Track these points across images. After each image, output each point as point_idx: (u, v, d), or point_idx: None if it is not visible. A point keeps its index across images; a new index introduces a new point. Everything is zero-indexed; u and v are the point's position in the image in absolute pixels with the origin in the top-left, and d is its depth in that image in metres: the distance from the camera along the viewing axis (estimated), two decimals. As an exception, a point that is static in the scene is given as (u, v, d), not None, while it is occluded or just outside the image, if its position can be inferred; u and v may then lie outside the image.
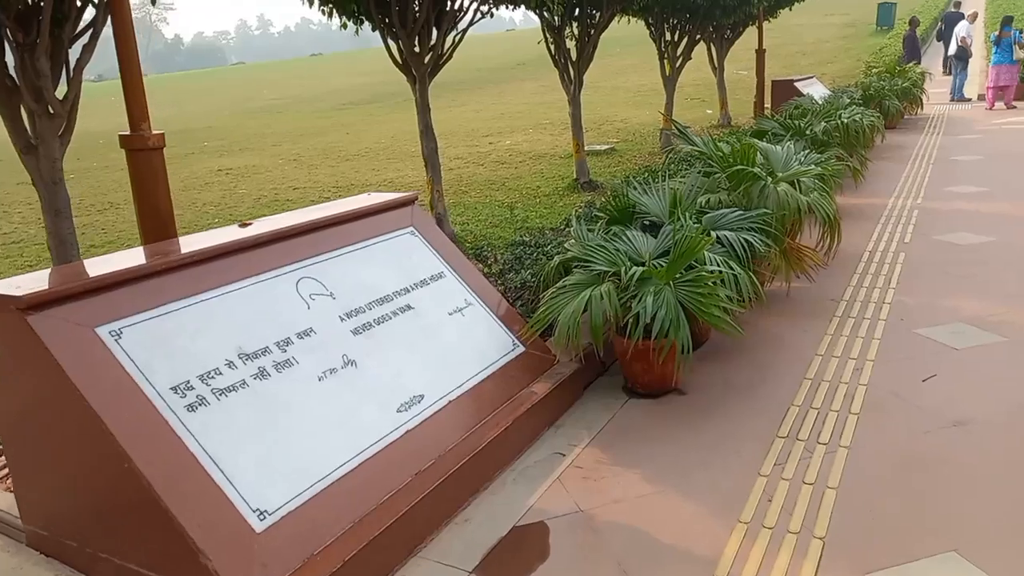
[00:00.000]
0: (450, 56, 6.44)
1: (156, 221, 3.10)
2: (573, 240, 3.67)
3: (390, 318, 2.98)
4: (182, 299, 2.44)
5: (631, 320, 3.02)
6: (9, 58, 3.37)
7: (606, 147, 11.88)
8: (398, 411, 2.67)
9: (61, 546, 2.39)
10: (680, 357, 2.98)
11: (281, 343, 2.57)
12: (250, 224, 3.05)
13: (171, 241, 2.93)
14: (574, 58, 8.46)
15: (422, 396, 2.79)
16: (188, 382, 2.27)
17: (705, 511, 2.42)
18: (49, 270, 2.46)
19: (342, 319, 2.82)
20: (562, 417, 3.13)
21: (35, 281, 2.25)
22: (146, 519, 2.05)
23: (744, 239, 3.47)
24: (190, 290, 2.48)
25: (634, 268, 3.11)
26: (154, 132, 3.14)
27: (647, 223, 3.77)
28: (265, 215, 9.28)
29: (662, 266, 3.19)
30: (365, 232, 3.23)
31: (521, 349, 3.32)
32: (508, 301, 3.67)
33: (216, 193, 10.81)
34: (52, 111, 3.41)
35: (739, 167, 4.07)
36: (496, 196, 8.94)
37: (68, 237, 3.61)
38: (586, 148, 9.26)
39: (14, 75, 3.32)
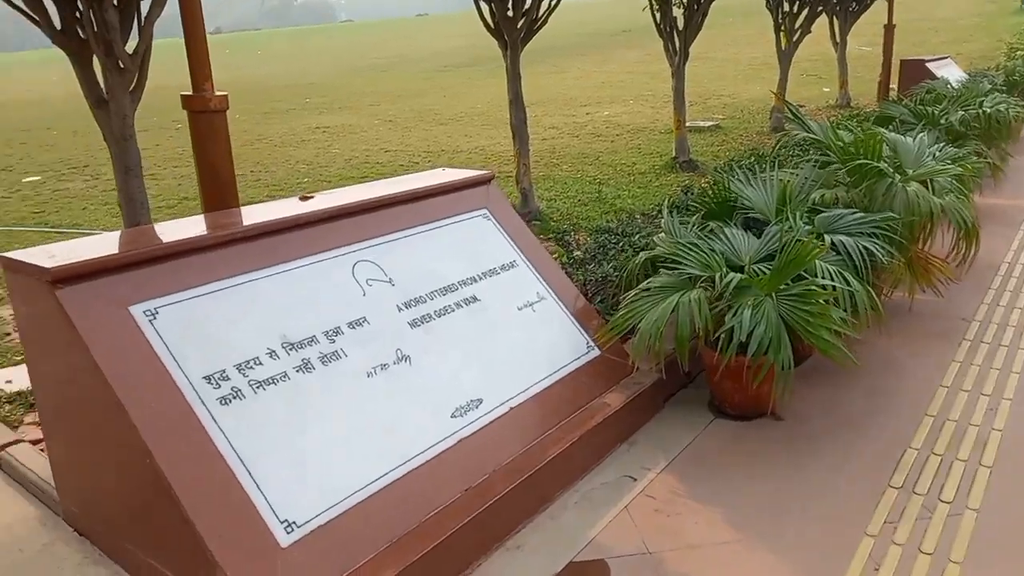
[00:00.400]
0: (545, 21, 6.06)
1: (215, 186, 2.93)
2: (663, 234, 3.30)
3: (452, 310, 2.71)
4: (227, 278, 2.25)
5: (724, 333, 2.64)
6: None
7: (710, 124, 11.23)
8: (452, 416, 2.42)
9: (92, 527, 2.28)
10: (779, 379, 2.59)
11: (330, 333, 2.35)
12: (311, 197, 2.84)
13: (225, 213, 2.75)
14: (680, 27, 7.89)
15: (480, 400, 2.52)
16: (224, 371, 2.07)
17: (798, 573, 2.06)
18: (87, 238, 2.32)
19: (399, 309, 2.58)
20: (636, 433, 2.81)
21: (70, 251, 2.10)
22: (165, 519, 1.88)
23: (863, 246, 3.01)
24: (236, 269, 2.28)
25: (731, 275, 2.72)
26: (218, 93, 2.97)
27: (749, 219, 3.35)
28: (353, 177, 9.22)
29: (764, 274, 2.78)
30: (434, 212, 2.97)
31: (596, 353, 3.00)
32: (586, 296, 3.34)
33: (310, 151, 10.85)
34: (122, 65, 3.28)
35: (862, 160, 3.56)
36: (588, 171, 8.53)
37: (137, 196, 3.51)
38: (688, 124, 8.71)
39: (84, 27, 3.21)
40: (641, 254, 3.19)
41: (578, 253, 3.99)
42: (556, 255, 4.53)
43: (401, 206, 2.88)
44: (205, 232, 2.31)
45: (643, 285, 2.90)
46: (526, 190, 6.25)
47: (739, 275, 2.73)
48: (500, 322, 2.82)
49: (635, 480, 2.53)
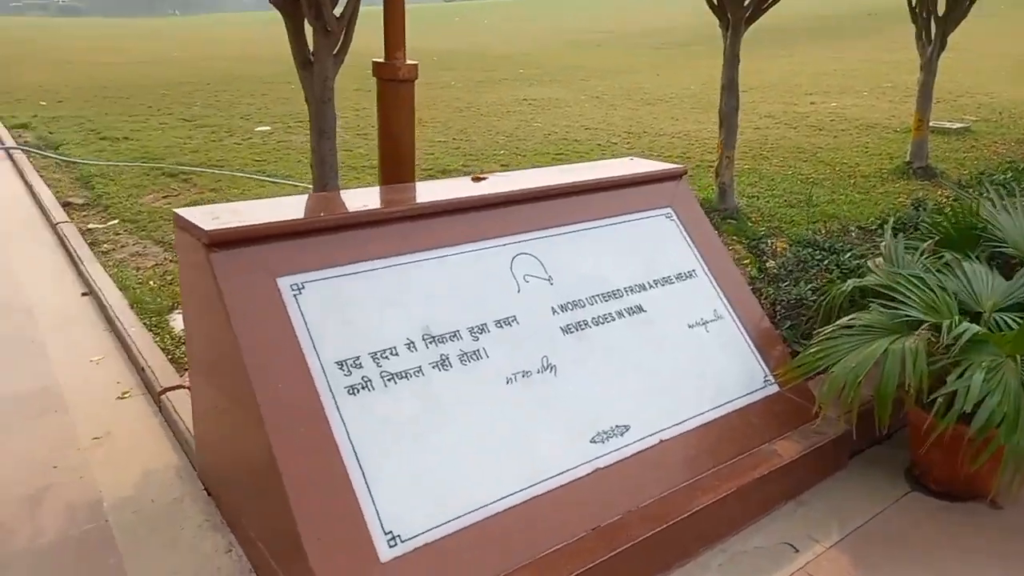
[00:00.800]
0: (775, 0, 5.48)
1: (394, 157, 2.87)
2: (881, 259, 2.78)
3: (612, 319, 2.45)
4: (378, 259, 2.15)
5: (943, 396, 2.14)
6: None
7: (958, 126, 9.82)
8: (592, 441, 2.17)
9: (218, 489, 2.32)
10: (1009, 461, 2.06)
11: (475, 329, 2.18)
12: (484, 179, 2.68)
13: (394, 188, 2.66)
14: (940, 12, 6.85)
15: (627, 427, 2.25)
16: (358, 358, 1.97)
17: None
18: (254, 202, 2.32)
19: (554, 311, 2.36)
20: (808, 493, 2.40)
21: (233, 214, 2.09)
22: (273, 505, 1.82)
23: None
24: (389, 250, 2.17)
25: (964, 324, 2.20)
26: (408, 62, 2.88)
27: (998, 254, 2.74)
28: (548, 153, 9.10)
29: (1010, 328, 2.23)
30: (611, 207, 2.70)
31: (773, 389, 2.60)
32: (772, 320, 2.93)
33: (512, 123, 10.89)
34: (328, 28, 3.31)
35: None
36: (801, 168, 7.76)
37: (329, 158, 3.56)
38: (931, 124, 7.61)
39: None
40: (849, 281, 2.71)
41: (772, 265, 3.53)
42: (747, 263, 4.08)
43: (576, 197, 2.65)
44: (365, 208, 2.22)
45: (845, 320, 2.44)
46: (726, 185, 5.75)
47: (975, 326, 2.19)
48: (665, 339, 2.51)
49: (797, 551, 2.14)
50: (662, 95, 14.03)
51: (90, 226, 5.64)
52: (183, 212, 2.12)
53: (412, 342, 2.07)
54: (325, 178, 3.60)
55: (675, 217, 2.84)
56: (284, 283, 1.98)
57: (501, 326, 2.23)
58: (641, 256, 2.65)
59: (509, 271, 2.35)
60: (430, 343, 2.10)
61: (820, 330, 2.51)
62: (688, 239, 2.81)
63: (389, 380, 1.98)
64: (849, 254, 3.29)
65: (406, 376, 2.01)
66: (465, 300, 2.22)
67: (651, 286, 2.60)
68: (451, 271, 2.25)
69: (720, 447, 2.36)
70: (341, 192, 2.53)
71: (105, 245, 5.14)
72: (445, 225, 2.31)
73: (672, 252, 2.74)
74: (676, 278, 2.69)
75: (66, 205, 6.20)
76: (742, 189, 6.86)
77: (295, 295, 1.98)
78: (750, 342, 2.69)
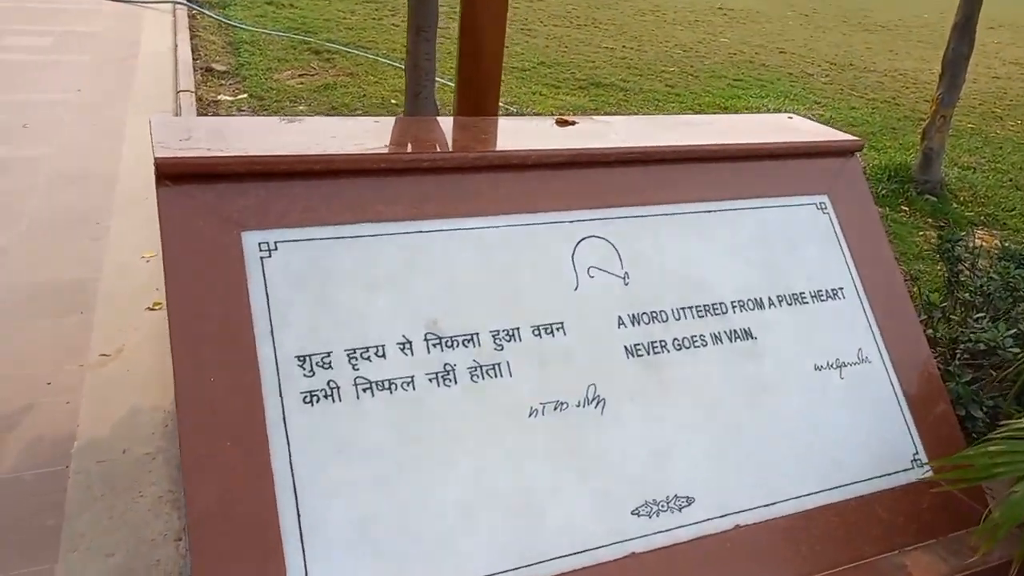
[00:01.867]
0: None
1: (475, 71, 2.24)
2: None
3: (704, 344, 1.79)
4: (388, 220, 1.61)
5: None
6: None
7: None
8: (635, 513, 1.59)
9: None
10: None
11: (501, 334, 1.62)
12: (573, 123, 2.03)
13: (440, 122, 2.06)
14: None
15: (690, 500, 1.63)
16: (328, 355, 1.48)
17: None
18: (255, 120, 1.83)
19: (621, 323, 1.73)
20: (936, 639, 1.70)
21: (213, 134, 1.61)
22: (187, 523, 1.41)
23: None
24: (405, 210, 1.63)
25: None
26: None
27: None
28: (725, 77, 7.92)
29: None
30: (739, 185, 1.97)
31: (924, 471, 1.86)
32: (945, 367, 2.12)
33: (697, 34, 9.69)
34: None
35: None
36: (1045, 137, 6.26)
37: (424, 63, 3.01)
38: None
39: None
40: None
41: (966, 278, 2.63)
42: (924, 275, 3.15)
43: (690, 165, 1.94)
44: (383, 148, 1.67)
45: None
46: (933, 150, 4.61)
47: None
48: (776, 381, 1.82)
49: None
50: (885, 21, 12.05)
51: (219, 97, 5.48)
52: (159, 121, 1.67)
53: (408, 342, 1.54)
54: (419, 86, 3.06)
55: (831, 209, 2.06)
56: (250, 240, 1.50)
57: (540, 334, 1.65)
58: (767, 259, 1.93)
59: (569, 259, 1.74)
60: (434, 345, 1.56)
61: (1008, 407, 1.71)
62: (843, 243, 2.03)
63: (365, 390, 1.48)
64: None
65: (389, 387, 1.50)
66: (496, 292, 1.65)
67: (772, 304, 1.89)
68: (485, 250, 1.67)
69: (823, 545, 1.69)
70: (365, 119, 1.97)
71: (222, 122, 4.93)
72: (489, 184, 1.71)
73: (815, 258, 1.99)
74: (813, 296, 1.95)
75: (207, 71, 6.09)
76: (956, 156, 5.58)
77: (262, 257, 1.50)
78: (903, 402, 1.93)
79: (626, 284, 1.77)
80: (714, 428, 1.72)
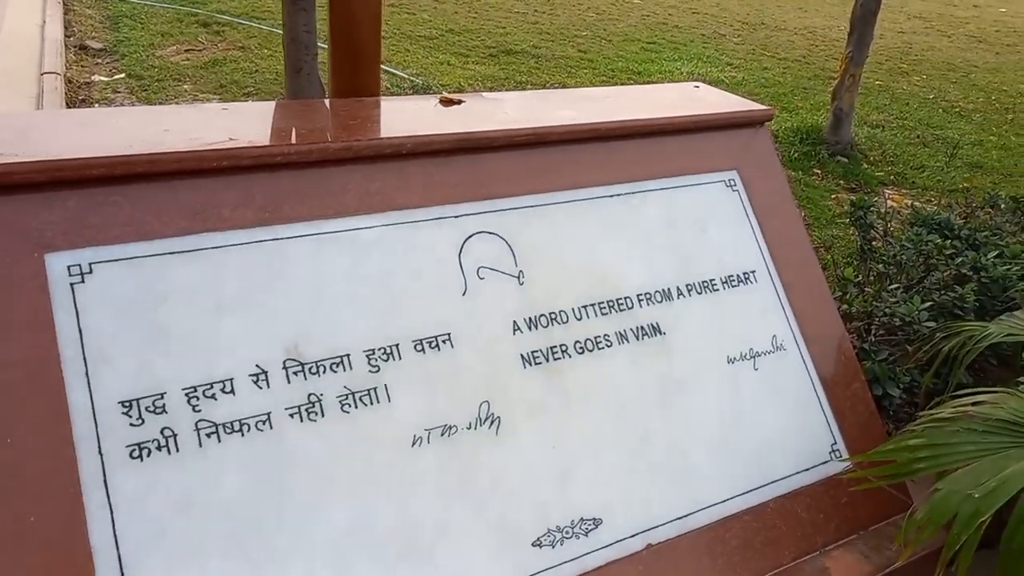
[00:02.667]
0: None
1: (349, 45, 1.98)
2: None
3: (607, 344, 1.62)
4: (235, 228, 1.37)
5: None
6: None
7: None
8: (536, 544, 1.42)
9: None
10: None
11: (376, 354, 1.40)
12: (459, 103, 1.81)
13: (305, 105, 1.81)
14: None
15: (598, 522, 1.48)
16: (161, 396, 1.24)
17: None
18: (68, 113, 1.54)
19: (516, 329, 1.55)
20: (864, 643, 1.61)
21: (15, 133, 1.33)
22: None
23: None
24: (261, 215, 1.39)
25: None
26: None
27: None
28: (638, 41, 7.78)
29: None
30: (639, 165, 1.80)
31: (843, 465, 1.76)
32: (864, 349, 2.03)
33: (610, -3, 9.50)
34: None
35: None
36: (948, 92, 6.36)
37: (303, 35, 2.72)
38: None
39: None
40: (992, 327, 1.76)
41: (880, 250, 2.56)
42: (839, 240, 3.10)
43: (589, 145, 1.76)
44: (232, 140, 1.42)
45: (972, 401, 1.54)
46: (843, 111, 4.58)
47: None
48: (689, 379, 1.68)
49: None
50: (794, -21, 12.12)
51: (93, 78, 5.01)
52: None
53: (264, 372, 1.32)
54: (299, 61, 2.77)
55: (740, 185, 1.92)
56: (56, 263, 1.24)
57: (423, 349, 1.45)
58: (675, 245, 1.77)
59: (456, 260, 1.54)
60: (295, 374, 1.34)
61: (925, 400, 1.61)
62: (754, 221, 1.90)
63: (210, 435, 1.25)
64: (996, 254, 2.29)
65: (241, 429, 1.28)
66: (370, 304, 1.43)
67: (681, 294, 1.74)
68: (356, 256, 1.45)
69: (741, 555, 1.57)
70: (210, 106, 1.70)
71: (94, 104, 4.51)
72: (359, 178, 1.49)
73: (726, 241, 1.84)
74: (724, 283, 1.81)
75: (81, 49, 5.58)
76: (865, 115, 5.59)
77: (73, 283, 1.24)
78: (819, 389, 1.82)
79: (521, 284, 1.59)
80: (623, 437, 1.57)
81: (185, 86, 4.97)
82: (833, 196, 4.10)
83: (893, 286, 2.27)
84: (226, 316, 1.32)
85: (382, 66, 5.46)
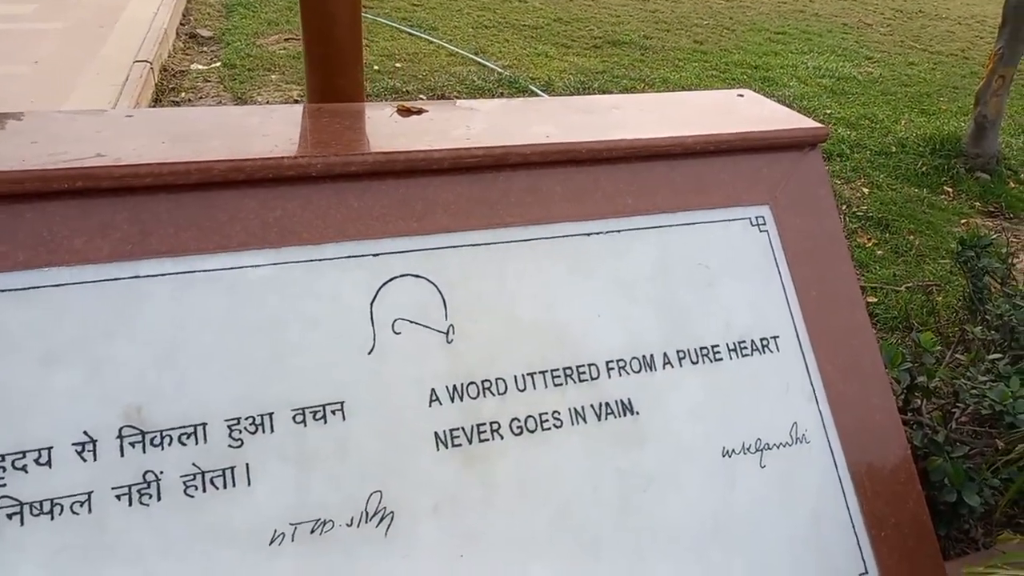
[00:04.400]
0: None
1: (324, 48, 1.75)
2: None
3: (558, 425, 1.28)
4: (93, 263, 1.15)
5: None
6: None
7: None
8: None
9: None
10: None
11: (244, 422, 1.15)
12: (419, 112, 1.52)
13: (253, 110, 1.56)
14: None
15: (508, 660, 1.16)
16: (-36, 463, 1.05)
17: None
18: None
19: (435, 399, 1.24)
20: None
21: None
22: None
23: None
24: (122, 248, 1.16)
25: None
26: None
27: None
28: (767, 31, 7.11)
29: None
30: (641, 194, 1.44)
31: (876, 601, 1.33)
32: (937, 442, 1.57)
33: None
34: None
35: None
36: None
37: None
38: None
39: None
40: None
41: (995, 306, 2.02)
42: (948, 288, 2.57)
43: (569, 169, 1.42)
44: (100, 155, 1.20)
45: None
46: (987, 118, 3.87)
47: None
48: (663, 476, 1.31)
49: None
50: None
51: (192, 66, 5.10)
52: None
53: (92, 440, 1.09)
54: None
55: (770, 225, 1.50)
56: None
57: (304, 420, 1.18)
58: (667, 300, 1.40)
59: (367, 308, 1.25)
60: (132, 444, 1.10)
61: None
62: (784, 272, 1.48)
63: (12, 515, 1.04)
64: None
65: (52, 510, 1.06)
66: (246, 361, 1.18)
67: (668, 363, 1.37)
68: (237, 300, 1.20)
69: None
70: (114, 113, 1.49)
71: (182, 93, 4.56)
72: (254, 206, 1.23)
73: (739, 296, 1.44)
74: (732, 351, 1.41)
75: (191, 37, 5.73)
76: (1018, 124, 4.75)
77: None
78: (851, 497, 1.39)
79: (449, 342, 1.28)
80: (561, 548, 1.23)
81: (273, 76, 4.97)
82: (963, 221, 3.45)
83: (995, 357, 1.76)
84: (57, 370, 1.10)
85: (474, 57, 5.25)
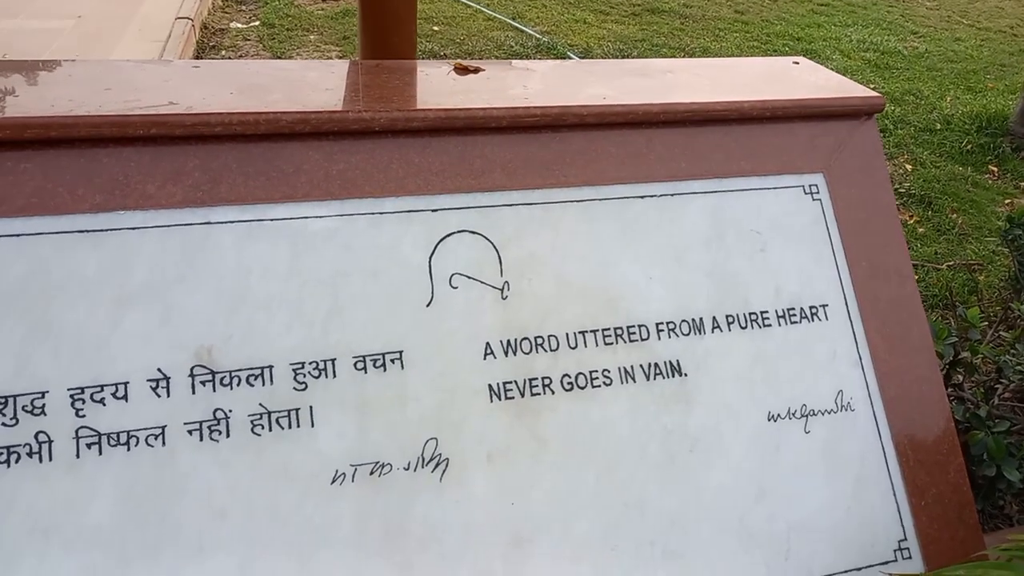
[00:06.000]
0: None
1: (378, 5, 1.76)
2: None
3: (608, 383, 1.31)
4: (164, 208, 1.19)
5: None
6: None
7: None
8: (468, 621, 1.17)
9: None
10: None
11: (308, 367, 1.18)
12: (475, 71, 1.53)
13: (315, 66, 1.58)
14: None
15: (555, 604, 1.20)
16: (42, 396, 1.08)
17: None
18: None
19: (489, 352, 1.27)
20: None
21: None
22: None
23: None
24: (192, 194, 1.20)
25: None
26: None
27: None
28: (811, 2, 6.94)
29: None
30: (695, 159, 1.44)
31: (914, 567, 1.36)
32: (979, 416, 1.58)
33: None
34: None
35: None
36: None
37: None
38: None
39: None
40: None
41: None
42: (990, 267, 2.54)
43: (624, 131, 1.42)
44: (174, 104, 1.23)
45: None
46: (1034, 100, 3.77)
47: None
48: (709, 437, 1.33)
49: None
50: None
51: (231, 25, 5.12)
52: None
53: (166, 378, 1.14)
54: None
55: (823, 194, 1.50)
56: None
57: (365, 368, 1.22)
58: (718, 265, 1.41)
59: (425, 262, 1.28)
60: (203, 383, 1.15)
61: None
62: (837, 241, 1.48)
63: (91, 446, 1.09)
64: None
65: (128, 442, 1.10)
66: (309, 309, 1.21)
67: (717, 327, 1.38)
68: (301, 250, 1.23)
69: (742, 672, 1.24)
70: (177, 63, 1.52)
71: (222, 52, 4.59)
72: (318, 158, 1.26)
73: (790, 263, 1.45)
74: (781, 317, 1.42)
75: (237, -4, 5.73)
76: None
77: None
78: (894, 465, 1.41)
79: (504, 298, 1.31)
80: (606, 502, 1.27)
81: (311, 36, 4.97)
82: (1007, 201, 3.40)
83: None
84: (131, 310, 1.14)
85: (512, 22, 5.21)
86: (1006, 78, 5.32)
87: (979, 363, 1.78)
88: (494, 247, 1.32)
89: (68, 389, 1.10)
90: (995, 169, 3.70)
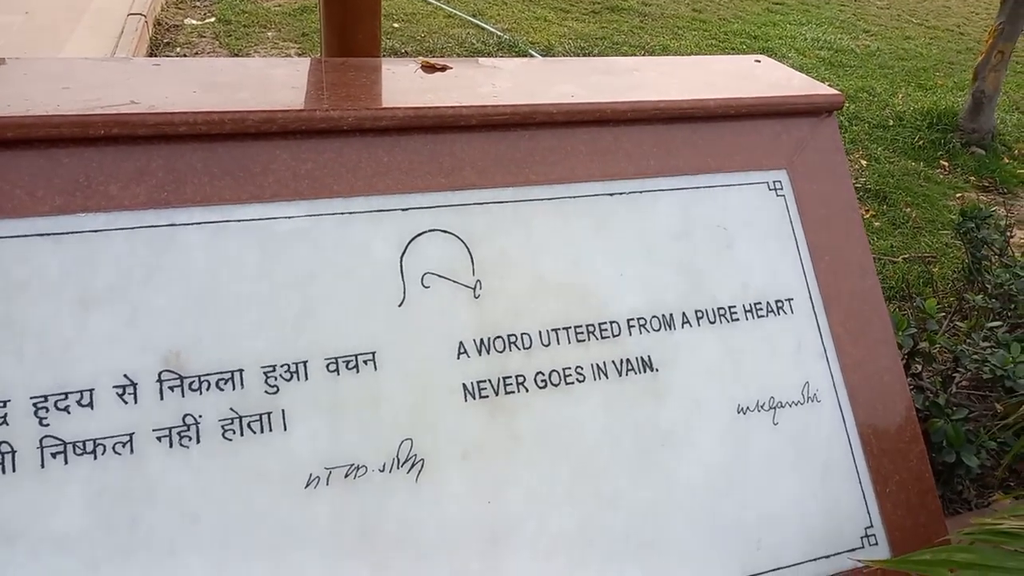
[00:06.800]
0: None
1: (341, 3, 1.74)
2: None
3: (581, 379, 1.32)
4: (128, 209, 1.16)
5: None
6: None
7: None
8: (446, 621, 1.17)
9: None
10: None
11: (280, 370, 1.17)
12: (443, 69, 1.53)
13: (275, 63, 1.56)
14: None
15: (532, 601, 1.21)
16: (4, 405, 1.05)
17: None
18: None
19: (463, 351, 1.27)
20: None
21: None
22: None
23: None
24: (157, 195, 1.17)
25: None
26: None
27: None
28: (766, 1, 7.07)
29: None
30: (663, 157, 1.46)
31: (880, 552, 1.39)
32: (938, 404, 1.62)
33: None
34: None
35: None
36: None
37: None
38: None
39: None
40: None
41: (992, 270, 2.08)
42: (942, 260, 2.62)
43: (592, 129, 1.43)
44: (134, 103, 1.20)
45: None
46: (984, 94, 3.90)
47: None
48: (678, 429, 1.35)
49: None
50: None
51: (185, 21, 5.01)
52: None
53: (132, 384, 1.11)
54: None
55: (787, 190, 1.53)
56: (-99, 240, 1.08)
57: (338, 369, 1.20)
58: (686, 261, 1.43)
59: (397, 262, 1.27)
60: (171, 388, 1.13)
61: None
62: (800, 237, 1.52)
63: (56, 455, 1.06)
64: None
65: (95, 450, 1.08)
66: (279, 310, 1.20)
67: (687, 322, 1.40)
68: (270, 250, 1.22)
69: (716, 661, 1.26)
70: (136, 61, 1.49)
71: (177, 48, 4.49)
72: (285, 157, 1.24)
73: (756, 259, 1.48)
74: (748, 312, 1.45)
75: (191, -10, 5.60)
76: (1017, 100, 4.80)
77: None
78: (860, 456, 1.45)
79: (476, 297, 1.31)
80: (580, 497, 1.28)
81: (269, 33, 4.90)
82: (958, 195, 3.51)
83: (994, 324, 1.81)
84: (96, 313, 1.12)
85: (472, 19, 5.19)
86: (954, 75, 5.48)
87: (936, 353, 1.83)
88: (466, 246, 1.32)
89: (31, 397, 1.07)
90: (946, 164, 3.81)
